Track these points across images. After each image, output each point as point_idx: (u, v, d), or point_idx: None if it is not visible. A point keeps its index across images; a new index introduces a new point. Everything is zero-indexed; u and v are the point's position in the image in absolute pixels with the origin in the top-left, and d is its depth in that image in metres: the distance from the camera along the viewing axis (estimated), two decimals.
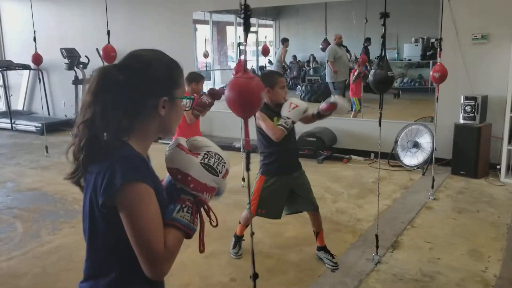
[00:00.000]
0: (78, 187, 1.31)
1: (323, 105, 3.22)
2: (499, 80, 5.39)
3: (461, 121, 5.53)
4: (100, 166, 1.18)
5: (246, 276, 3.25)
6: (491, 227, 4.05)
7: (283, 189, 3.28)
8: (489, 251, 3.54)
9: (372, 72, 3.36)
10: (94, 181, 1.18)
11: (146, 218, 1.15)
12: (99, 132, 1.18)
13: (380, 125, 3.36)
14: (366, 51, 9.59)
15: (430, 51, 10.17)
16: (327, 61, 8.43)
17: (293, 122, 3.07)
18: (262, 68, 12.36)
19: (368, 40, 9.81)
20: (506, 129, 5.28)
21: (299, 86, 10.72)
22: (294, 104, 3.06)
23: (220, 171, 1.29)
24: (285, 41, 10.45)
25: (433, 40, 10.15)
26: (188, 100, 1.37)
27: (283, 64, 10.31)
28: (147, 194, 1.17)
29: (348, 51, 9.38)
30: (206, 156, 1.28)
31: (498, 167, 5.46)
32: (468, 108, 5.45)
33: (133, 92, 1.24)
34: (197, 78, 4.51)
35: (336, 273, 3.27)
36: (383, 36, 3.26)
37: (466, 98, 5.46)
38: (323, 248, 3.47)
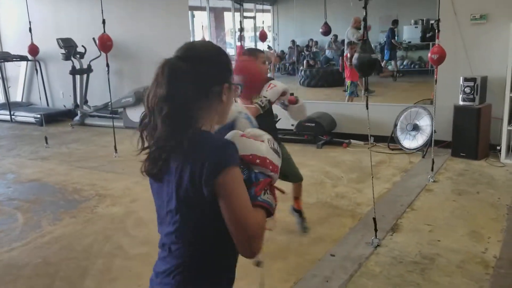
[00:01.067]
0: (154, 178, 1.34)
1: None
2: (498, 60, 5.35)
3: (461, 103, 5.50)
4: (190, 156, 1.22)
5: (242, 263, 3.24)
6: (491, 208, 4.05)
7: None
8: (489, 232, 3.54)
9: (355, 55, 3.35)
10: (189, 170, 1.21)
11: (245, 200, 1.23)
12: (181, 123, 1.22)
13: (367, 107, 3.38)
14: (392, 33, 9.51)
15: (430, 33, 10.08)
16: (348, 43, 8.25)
17: (270, 102, 3.09)
18: None
19: (395, 22, 9.73)
20: (506, 110, 5.25)
21: (299, 71, 10.66)
22: (272, 85, 3.10)
23: (280, 153, 1.41)
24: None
25: (432, 22, 10.06)
26: (240, 86, 1.47)
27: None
28: (241, 177, 1.26)
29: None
30: (269, 142, 1.38)
31: (498, 148, 5.44)
32: (467, 89, 5.41)
33: (202, 81, 1.27)
34: None
35: (336, 257, 3.28)
36: (365, 19, 3.25)
37: (465, 79, 5.42)
38: (298, 211, 3.66)
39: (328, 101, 7.49)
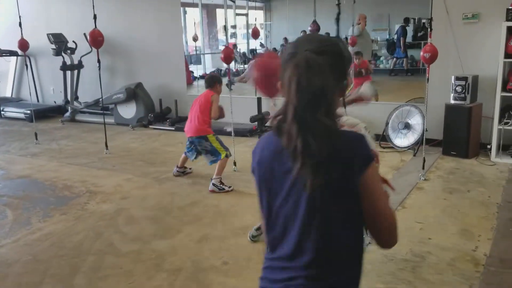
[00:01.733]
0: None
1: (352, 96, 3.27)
2: (490, 59, 5.38)
3: (452, 102, 5.53)
4: (339, 152, 1.16)
5: (238, 259, 3.27)
6: (482, 206, 4.08)
7: None
8: (480, 231, 3.56)
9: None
10: (340, 164, 1.16)
11: (383, 191, 1.25)
12: (324, 115, 1.14)
13: (345, 106, 3.38)
14: (403, 31, 9.50)
15: (421, 32, 10.12)
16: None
17: None
18: (253, 51, 12.26)
19: (407, 20, 9.71)
20: (497, 109, 5.29)
21: None
22: None
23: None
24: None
25: (424, 21, 10.11)
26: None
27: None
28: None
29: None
30: (366, 129, 1.44)
31: (488, 146, 5.48)
32: (458, 88, 5.44)
33: (337, 75, 1.22)
34: (220, 79, 5.00)
35: None
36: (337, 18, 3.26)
37: (457, 78, 5.45)
38: None
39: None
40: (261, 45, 10.87)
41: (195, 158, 5.02)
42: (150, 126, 7.93)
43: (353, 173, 1.16)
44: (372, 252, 3.28)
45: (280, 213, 1.25)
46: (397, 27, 10.31)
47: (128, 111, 8.10)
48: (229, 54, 5.23)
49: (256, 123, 6.72)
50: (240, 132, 6.53)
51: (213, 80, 4.94)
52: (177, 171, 5.24)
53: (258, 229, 3.50)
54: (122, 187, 4.92)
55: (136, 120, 8.00)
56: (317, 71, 1.15)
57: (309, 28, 9.33)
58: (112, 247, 3.55)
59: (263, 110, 6.71)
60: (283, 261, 1.26)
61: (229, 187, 4.71)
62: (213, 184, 4.70)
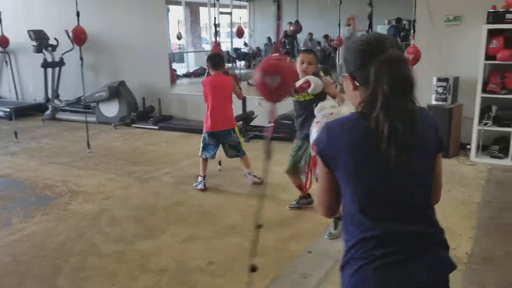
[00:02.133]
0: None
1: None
2: (470, 61, 5.46)
3: (434, 102, 5.60)
4: (431, 127, 1.44)
5: (224, 259, 3.26)
6: (462, 206, 4.15)
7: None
8: (461, 229, 3.63)
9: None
10: (435, 136, 1.42)
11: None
12: (412, 102, 1.34)
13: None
14: (396, 31, 9.56)
15: (402, 33, 10.25)
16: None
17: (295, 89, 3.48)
18: (237, 49, 12.24)
19: (399, 20, 9.74)
20: (477, 110, 5.38)
21: None
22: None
23: None
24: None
25: (405, 22, 10.23)
26: None
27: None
28: None
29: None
30: None
31: (468, 147, 5.58)
32: (440, 89, 5.52)
33: None
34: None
35: (313, 254, 3.31)
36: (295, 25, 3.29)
37: (439, 79, 5.53)
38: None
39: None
40: (245, 44, 10.87)
41: (214, 156, 4.72)
42: (133, 125, 7.86)
43: (430, 153, 1.42)
44: None
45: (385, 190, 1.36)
46: (379, 28, 10.41)
47: (111, 109, 8.01)
48: (218, 52, 5.21)
49: (240, 122, 6.73)
50: None
51: (222, 60, 4.90)
52: (205, 183, 4.70)
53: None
54: (104, 187, 4.86)
55: (119, 119, 7.92)
56: (407, 65, 1.36)
57: (291, 28, 9.35)
58: (95, 247, 3.51)
59: (248, 109, 6.72)
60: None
61: (260, 178, 4.61)
62: (254, 176, 4.65)
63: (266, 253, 3.34)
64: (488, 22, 5.11)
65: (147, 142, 6.85)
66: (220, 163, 5.22)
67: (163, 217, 4.06)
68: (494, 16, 5.07)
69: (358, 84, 1.38)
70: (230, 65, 11.25)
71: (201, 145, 4.69)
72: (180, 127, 7.42)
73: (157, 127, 7.58)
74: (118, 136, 7.25)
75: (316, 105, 2.30)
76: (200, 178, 4.69)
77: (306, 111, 3.66)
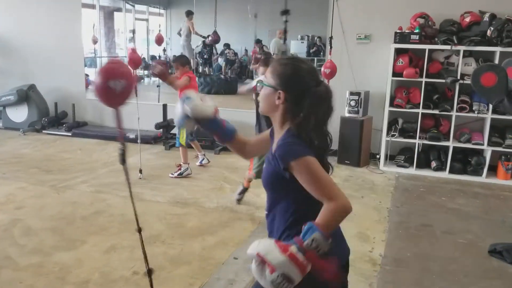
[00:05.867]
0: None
1: None
2: (379, 77, 5.89)
3: (346, 115, 5.96)
4: None
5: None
6: (374, 211, 4.46)
7: None
8: (374, 233, 3.90)
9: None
10: None
11: None
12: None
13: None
14: (308, 46, 9.79)
15: (313, 48, 10.73)
16: (273, 54, 8.41)
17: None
18: (154, 57, 12.05)
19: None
20: (385, 122, 5.82)
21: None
22: None
23: None
24: (189, 14, 10.18)
25: (316, 38, 10.74)
26: None
27: (201, 36, 10.11)
28: None
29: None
30: None
31: (378, 156, 6.00)
32: (352, 103, 5.89)
33: None
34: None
35: (239, 260, 3.37)
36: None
37: (351, 93, 5.90)
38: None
39: (227, 108, 7.60)
40: (164, 50, 10.74)
41: None
42: (44, 131, 7.45)
43: None
44: None
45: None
46: (292, 42, 10.82)
47: (19, 114, 7.52)
48: (137, 59, 5.12)
49: (161, 130, 6.66)
50: (144, 139, 6.39)
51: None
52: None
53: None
54: (15, 196, 4.57)
55: (28, 124, 7.46)
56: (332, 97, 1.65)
57: (210, 39, 9.39)
58: (9, 260, 3.30)
59: (169, 117, 6.67)
60: None
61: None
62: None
63: (191, 260, 3.37)
64: (395, 42, 5.57)
65: (61, 149, 6.53)
66: (141, 171, 5.13)
67: (82, 227, 3.91)
68: (401, 37, 5.53)
69: (286, 101, 1.57)
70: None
71: (182, 132, 5.23)
72: (96, 134, 7.16)
73: (70, 134, 7.25)
74: (28, 143, 6.83)
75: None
76: (185, 166, 5.27)
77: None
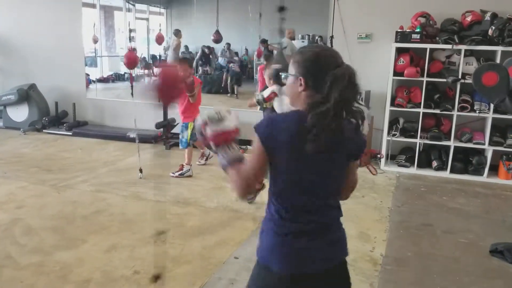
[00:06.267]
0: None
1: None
2: (380, 76, 5.87)
3: None
4: None
5: (149, 268, 3.21)
6: (375, 210, 4.45)
7: None
8: (375, 233, 3.89)
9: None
10: None
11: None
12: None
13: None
14: None
15: None
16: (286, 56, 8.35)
17: (263, 98, 4.21)
18: (154, 57, 12.05)
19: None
20: (386, 122, 5.81)
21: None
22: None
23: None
24: (177, 32, 10.20)
25: (317, 37, 10.74)
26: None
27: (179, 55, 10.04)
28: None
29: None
30: None
31: (378, 156, 5.98)
32: None
33: None
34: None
35: (239, 260, 3.37)
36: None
37: None
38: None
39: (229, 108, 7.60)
40: (165, 49, 10.75)
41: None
42: (44, 131, 7.45)
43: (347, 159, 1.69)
44: None
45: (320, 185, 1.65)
46: (293, 42, 10.82)
47: (20, 114, 7.52)
48: (133, 58, 5.11)
49: (161, 129, 6.66)
50: (144, 139, 6.39)
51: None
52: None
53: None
54: (16, 196, 4.57)
55: (29, 124, 7.46)
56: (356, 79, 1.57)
57: (212, 38, 9.38)
58: (9, 259, 3.30)
59: (169, 116, 6.65)
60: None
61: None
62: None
63: (192, 260, 3.36)
64: (396, 41, 5.56)
65: (61, 148, 6.53)
66: (141, 171, 5.13)
67: (83, 226, 3.91)
68: (402, 36, 5.52)
69: (308, 87, 1.55)
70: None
71: (188, 134, 5.21)
72: (96, 133, 7.15)
73: (71, 133, 7.24)
74: (28, 142, 6.83)
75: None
76: (187, 167, 5.27)
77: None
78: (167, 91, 2.06)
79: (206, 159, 5.79)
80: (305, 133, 1.46)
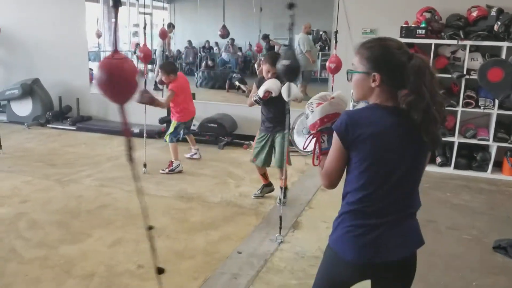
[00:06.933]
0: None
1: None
2: None
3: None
4: None
5: (154, 263, 3.22)
6: None
7: (266, 143, 4.27)
8: None
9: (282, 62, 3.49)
10: None
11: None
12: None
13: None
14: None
15: (319, 43, 10.70)
16: (305, 51, 8.35)
17: (260, 98, 4.06)
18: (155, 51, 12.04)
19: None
20: None
21: (196, 72, 10.65)
22: (265, 84, 4.01)
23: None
24: (169, 26, 10.14)
25: (321, 33, 10.71)
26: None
27: (166, 54, 10.00)
28: None
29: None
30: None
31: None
32: None
33: None
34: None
35: (242, 255, 3.37)
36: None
37: None
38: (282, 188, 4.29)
39: (230, 103, 7.60)
40: (168, 44, 10.74)
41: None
42: (48, 125, 7.46)
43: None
44: (285, 251, 3.45)
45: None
46: (296, 37, 10.78)
47: (23, 108, 7.54)
48: (148, 53, 5.12)
49: (165, 124, 6.66)
50: (149, 134, 6.38)
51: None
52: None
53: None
54: (20, 190, 4.59)
55: (32, 119, 7.48)
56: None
57: (219, 33, 9.34)
58: (14, 253, 3.32)
59: None
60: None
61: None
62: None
63: (196, 255, 3.37)
64: (401, 36, 5.53)
65: (65, 143, 6.55)
66: (145, 166, 5.14)
67: (87, 221, 3.92)
68: (407, 31, 5.50)
69: (382, 82, 1.56)
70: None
71: (170, 132, 5.31)
72: (100, 128, 7.16)
73: (74, 128, 7.26)
74: (32, 137, 6.85)
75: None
76: (176, 162, 5.25)
77: (275, 109, 4.15)
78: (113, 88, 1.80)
79: (193, 155, 5.83)
80: (397, 126, 1.55)
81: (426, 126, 1.52)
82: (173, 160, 5.28)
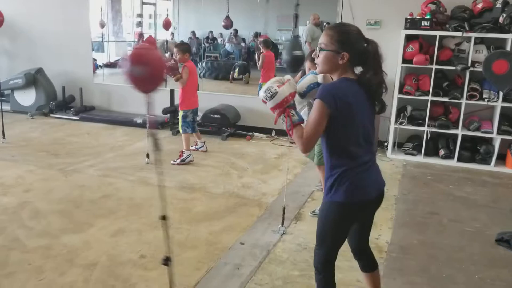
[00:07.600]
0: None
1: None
2: (389, 64, 5.74)
3: None
4: None
5: (156, 252, 3.24)
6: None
7: None
8: (381, 221, 3.88)
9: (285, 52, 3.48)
10: None
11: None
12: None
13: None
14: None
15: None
16: (305, 41, 8.28)
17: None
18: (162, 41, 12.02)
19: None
20: (394, 110, 5.77)
21: (200, 63, 10.61)
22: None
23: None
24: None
25: (325, 24, 10.64)
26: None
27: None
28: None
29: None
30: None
31: (385, 144, 5.96)
32: None
33: None
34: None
35: (245, 245, 3.38)
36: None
37: None
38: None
39: (233, 94, 7.58)
40: (172, 34, 10.72)
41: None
42: (52, 115, 7.47)
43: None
44: (287, 242, 3.45)
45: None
46: (300, 28, 10.72)
47: (27, 98, 7.55)
48: (154, 43, 5.12)
49: (168, 115, 6.66)
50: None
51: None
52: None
53: None
54: (24, 179, 4.60)
55: (36, 108, 7.49)
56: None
57: (223, 24, 9.29)
58: (17, 242, 3.33)
59: (176, 102, 6.65)
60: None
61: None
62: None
63: (198, 245, 3.38)
64: (405, 28, 5.50)
65: (68, 133, 6.56)
66: (148, 156, 5.14)
67: (90, 210, 3.94)
68: (411, 23, 5.46)
69: (348, 60, 1.93)
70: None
71: (181, 123, 5.31)
72: (103, 118, 7.17)
73: (78, 118, 7.27)
74: (36, 127, 6.86)
75: None
76: (187, 152, 5.24)
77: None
78: (142, 78, 1.91)
79: (199, 148, 5.76)
80: (362, 94, 1.96)
81: (379, 96, 2.03)
82: (184, 150, 5.28)
